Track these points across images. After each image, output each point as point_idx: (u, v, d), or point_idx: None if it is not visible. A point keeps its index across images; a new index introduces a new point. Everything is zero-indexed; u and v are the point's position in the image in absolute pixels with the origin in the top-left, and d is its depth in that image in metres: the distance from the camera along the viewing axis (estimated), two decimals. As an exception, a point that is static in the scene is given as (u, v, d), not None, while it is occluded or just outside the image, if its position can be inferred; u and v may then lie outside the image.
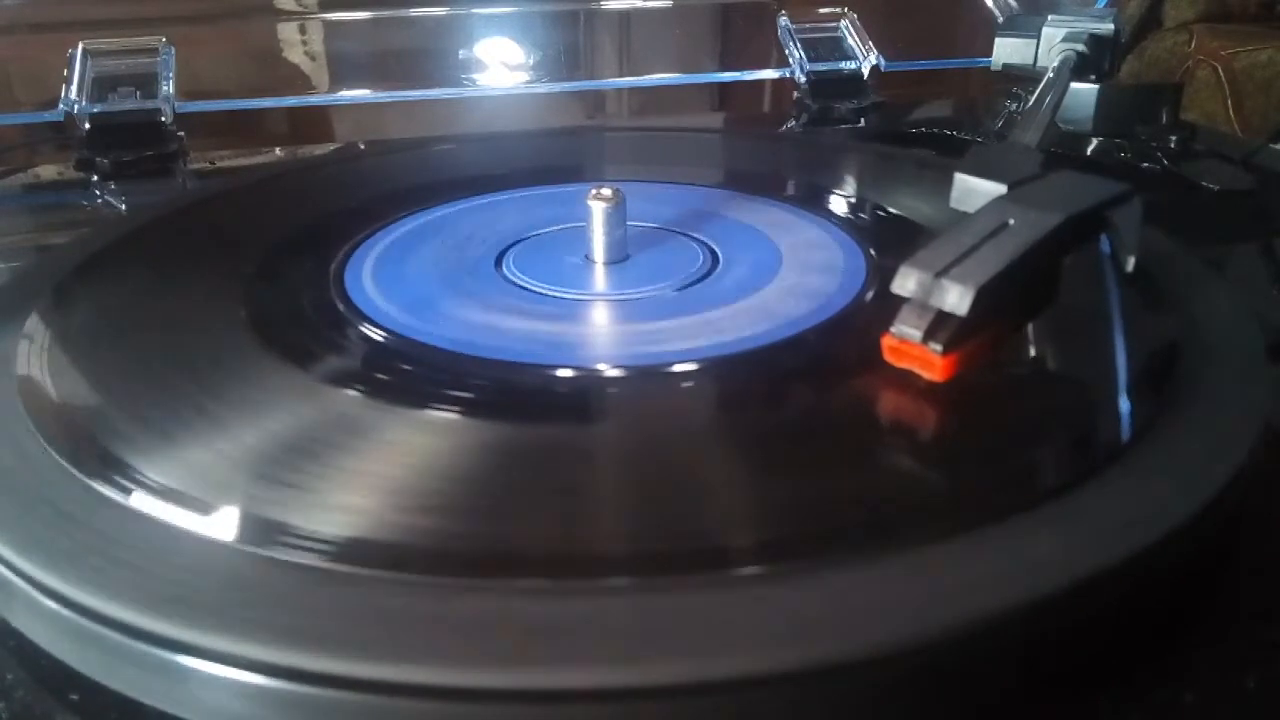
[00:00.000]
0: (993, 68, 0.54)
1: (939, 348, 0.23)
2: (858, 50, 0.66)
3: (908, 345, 0.23)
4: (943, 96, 0.71)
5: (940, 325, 0.23)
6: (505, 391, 0.25)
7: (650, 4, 0.76)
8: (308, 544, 0.19)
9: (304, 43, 0.68)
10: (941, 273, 0.23)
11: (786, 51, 0.66)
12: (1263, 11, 1.19)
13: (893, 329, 0.23)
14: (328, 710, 0.17)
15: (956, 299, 0.22)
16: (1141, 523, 0.19)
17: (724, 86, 0.78)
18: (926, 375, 0.23)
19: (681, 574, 0.18)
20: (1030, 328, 0.27)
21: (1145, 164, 0.51)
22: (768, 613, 0.17)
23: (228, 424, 0.23)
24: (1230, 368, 0.25)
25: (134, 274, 0.33)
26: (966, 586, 0.18)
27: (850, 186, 0.43)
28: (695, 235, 0.35)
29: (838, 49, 0.66)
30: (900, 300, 0.24)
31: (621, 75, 0.76)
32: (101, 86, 0.56)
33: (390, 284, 0.31)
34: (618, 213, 0.32)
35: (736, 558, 0.19)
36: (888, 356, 0.24)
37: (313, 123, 0.70)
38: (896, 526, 0.20)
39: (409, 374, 0.26)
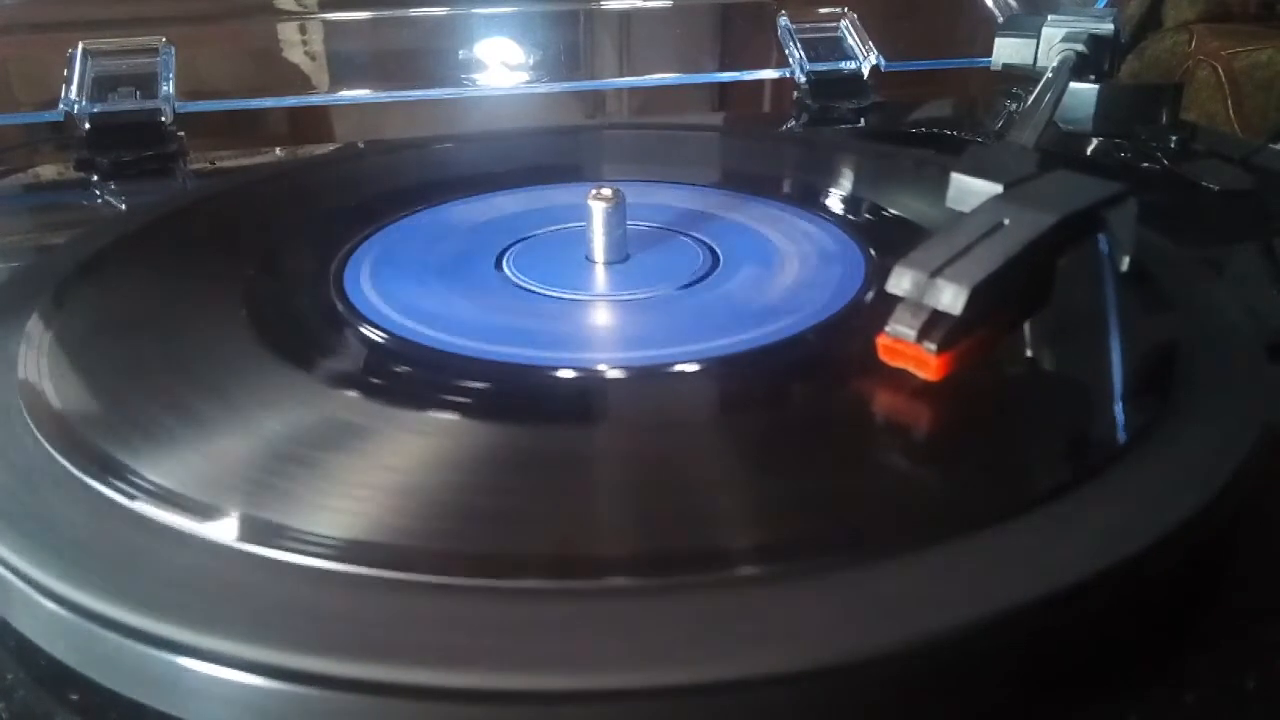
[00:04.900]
0: (993, 68, 0.54)
1: (933, 347, 0.23)
2: (858, 50, 0.66)
3: (902, 344, 0.23)
4: (943, 96, 0.71)
5: (935, 325, 0.23)
6: (505, 392, 0.25)
7: (650, 4, 0.76)
8: (307, 545, 0.19)
9: (304, 43, 0.68)
10: (936, 272, 0.23)
11: (786, 51, 0.66)
12: (1263, 11, 1.18)
13: (887, 328, 0.24)
14: (327, 712, 0.17)
15: (951, 298, 0.22)
16: (1141, 523, 0.19)
17: (724, 86, 0.78)
18: (921, 375, 0.23)
19: (680, 575, 0.18)
20: (1026, 328, 0.27)
21: (1145, 164, 0.51)
22: (764, 614, 0.17)
23: (227, 424, 0.23)
24: (1230, 368, 0.25)
25: (134, 274, 0.33)
26: (965, 587, 0.18)
27: (850, 186, 0.43)
28: (695, 235, 0.35)
29: (838, 49, 0.66)
30: (896, 299, 0.24)
31: (621, 75, 0.76)
32: (101, 86, 0.56)
33: (390, 284, 0.31)
34: (618, 213, 0.32)
35: (733, 559, 0.19)
36: (883, 355, 0.24)
37: (313, 123, 0.70)
38: (892, 528, 0.20)
39: (408, 374, 0.26)
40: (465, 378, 0.26)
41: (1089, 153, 0.54)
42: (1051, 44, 0.51)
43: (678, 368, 0.26)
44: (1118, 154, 0.53)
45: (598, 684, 0.16)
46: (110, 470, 0.21)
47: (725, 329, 0.28)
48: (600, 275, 0.32)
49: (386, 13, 0.67)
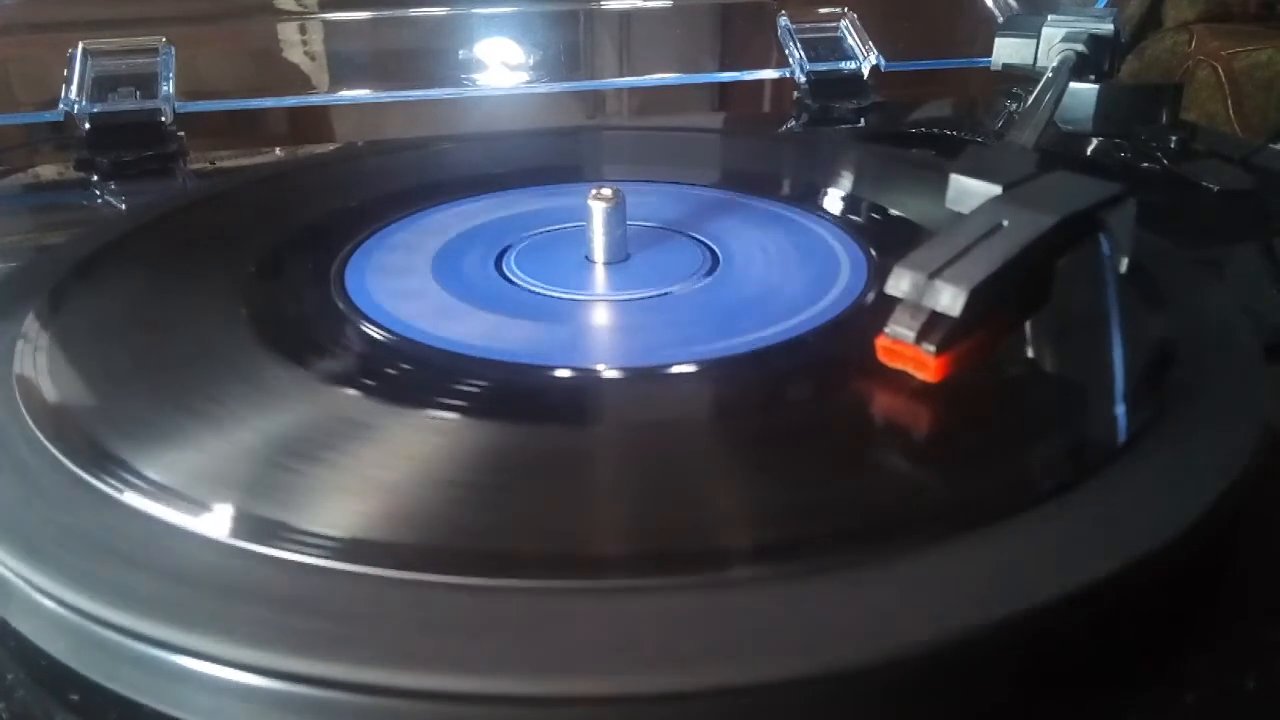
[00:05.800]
0: (993, 68, 0.54)
1: (932, 348, 0.23)
2: (858, 50, 0.66)
3: (901, 346, 0.23)
4: (943, 96, 0.71)
5: (933, 326, 0.23)
6: (505, 391, 0.25)
7: (650, 4, 0.76)
8: (307, 543, 0.19)
9: (304, 43, 0.68)
10: (935, 273, 0.23)
11: (786, 51, 0.66)
12: (1263, 11, 1.19)
13: (886, 329, 0.24)
14: (327, 711, 0.17)
15: (949, 300, 0.22)
16: (1141, 524, 0.19)
17: (724, 86, 0.78)
18: (920, 376, 0.23)
19: (679, 577, 0.18)
20: (1026, 329, 0.27)
21: (1145, 164, 0.51)
22: (764, 617, 0.17)
23: (227, 423, 0.23)
24: (1230, 369, 0.25)
25: (134, 273, 0.33)
26: (965, 588, 0.18)
27: (850, 187, 0.43)
28: (695, 235, 0.35)
29: (838, 49, 0.66)
30: (895, 301, 0.24)
31: (621, 75, 0.76)
32: (101, 86, 0.56)
33: (390, 284, 0.31)
34: (618, 213, 0.32)
35: (733, 561, 0.19)
36: (882, 357, 0.24)
37: (313, 123, 0.70)
38: (892, 530, 0.20)
39: (409, 373, 0.26)
40: (465, 377, 0.26)
41: (1089, 153, 0.54)
42: (1051, 44, 0.51)
43: (677, 368, 0.26)
44: (1118, 154, 0.53)
45: (593, 688, 0.16)
46: (110, 469, 0.21)
47: (725, 330, 0.28)
48: (600, 275, 0.32)
49: (386, 13, 0.67)
